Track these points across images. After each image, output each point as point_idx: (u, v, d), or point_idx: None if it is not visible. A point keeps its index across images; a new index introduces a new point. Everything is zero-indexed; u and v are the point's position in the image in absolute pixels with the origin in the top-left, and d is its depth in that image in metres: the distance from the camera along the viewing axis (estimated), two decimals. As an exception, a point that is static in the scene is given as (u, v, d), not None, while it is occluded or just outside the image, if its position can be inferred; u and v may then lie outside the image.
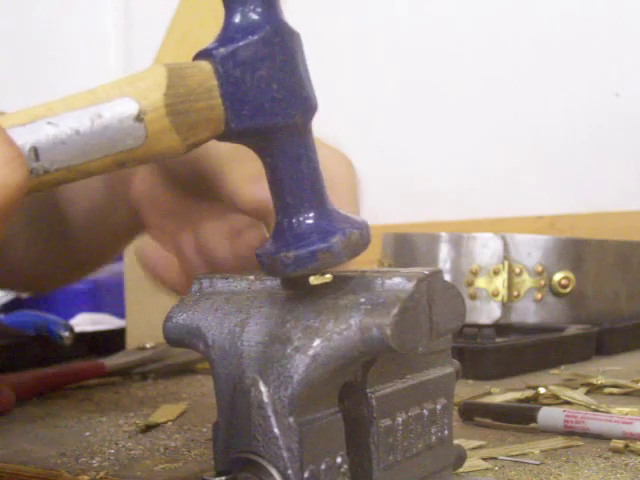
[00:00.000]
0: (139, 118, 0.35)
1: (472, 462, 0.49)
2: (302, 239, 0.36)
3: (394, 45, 1.60)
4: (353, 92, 1.59)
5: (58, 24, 1.91)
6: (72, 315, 1.12)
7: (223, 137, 0.38)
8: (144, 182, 0.54)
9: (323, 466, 0.35)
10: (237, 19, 0.37)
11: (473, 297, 0.90)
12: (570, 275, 0.92)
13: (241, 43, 0.37)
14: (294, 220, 0.37)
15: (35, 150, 0.34)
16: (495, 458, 0.51)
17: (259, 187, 0.44)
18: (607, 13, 1.43)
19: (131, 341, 0.97)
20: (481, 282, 0.90)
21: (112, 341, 0.99)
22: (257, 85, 0.37)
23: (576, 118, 1.45)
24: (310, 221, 0.37)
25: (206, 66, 0.37)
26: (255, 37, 0.37)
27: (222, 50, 0.37)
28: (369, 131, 1.61)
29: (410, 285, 0.35)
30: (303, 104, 0.38)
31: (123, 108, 0.35)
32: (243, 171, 0.46)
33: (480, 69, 1.53)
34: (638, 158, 1.40)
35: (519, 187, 1.50)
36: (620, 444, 0.51)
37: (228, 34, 0.37)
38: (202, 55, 0.37)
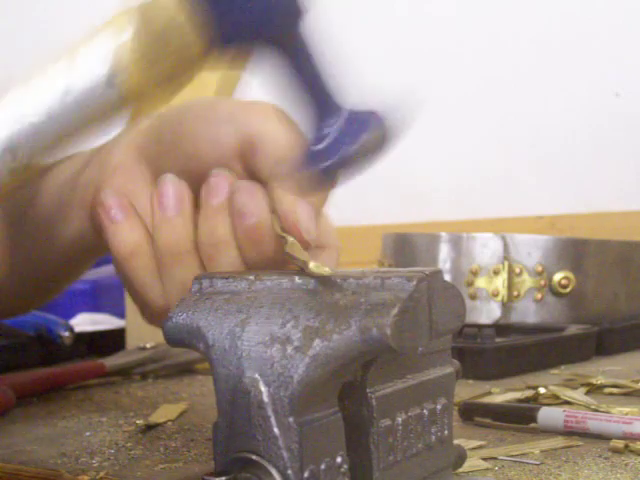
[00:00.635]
0: (110, 83, 0.32)
1: (472, 462, 0.49)
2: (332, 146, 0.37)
3: (394, 45, 1.60)
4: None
5: (58, 24, 1.91)
6: (72, 315, 1.12)
7: (210, 57, 0.35)
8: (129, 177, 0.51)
9: (323, 466, 0.35)
10: None
11: (473, 297, 0.90)
12: (570, 275, 0.92)
13: None
14: (318, 127, 0.37)
15: (11, 151, 0.32)
16: (495, 458, 0.51)
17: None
18: (607, 13, 1.43)
19: (131, 341, 0.97)
20: (481, 282, 0.90)
21: (112, 341, 0.99)
22: (230, 4, 0.34)
23: (576, 118, 1.45)
24: (336, 125, 0.37)
25: (170, 1, 0.33)
26: None
27: None
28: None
29: (410, 285, 0.35)
30: (287, 7, 0.36)
31: (91, 76, 0.32)
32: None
33: (480, 69, 1.53)
34: (638, 158, 1.40)
35: (519, 187, 1.50)
36: (620, 444, 0.51)
37: None
38: None
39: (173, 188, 0.47)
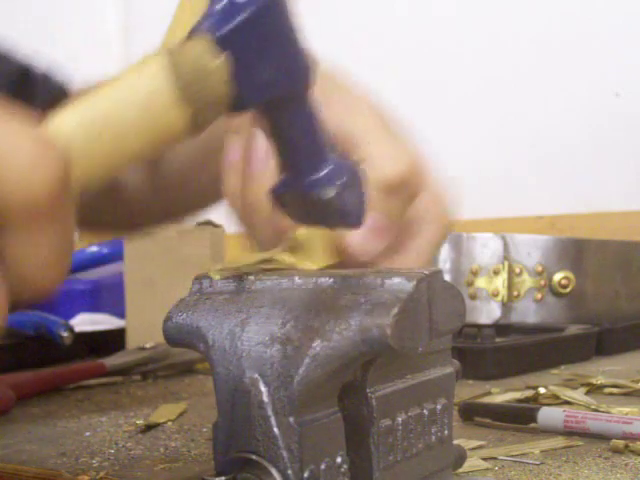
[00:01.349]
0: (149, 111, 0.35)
1: (472, 462, 0.49)
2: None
3: (394, 45, 1.60)
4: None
5: (58, 24, 1.91)
6: (72, 315, 1.12)
7: (231, 113, 0.37)
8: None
9: (323, 466, 0.35)
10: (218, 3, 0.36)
11: (473, 297, 0.90)
12: (570, 275, 0.92)
13: (239, 18, 0.36)
14: (305, 174, 0.39)
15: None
16: (495, 458, 0.51)
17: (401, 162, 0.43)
18: (607, 13, 1.43)
19: (131, 341, 0.97)
20: (481, 282, 0.90)
21: (112, 341, 0.99)
22: (257, 59, 0.36)
23: (576, 118, 1.45)
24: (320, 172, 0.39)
25: (205, 46, 0.36)
26: (252, 9, 0.36)
27: (220, 28, 0.36)
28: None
29: (410, 285, 0.35)
30: (304, 69, 0.38)
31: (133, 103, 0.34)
32: (383, 144, 0.45)
33: (480, 69, 1.53)
34: (638, 158, 1.40)
35: (519, 187, 1.50)
36: (620, 444, 0.51)
37: (220, 10, 0.36)
38: (197, 33, 0.36)
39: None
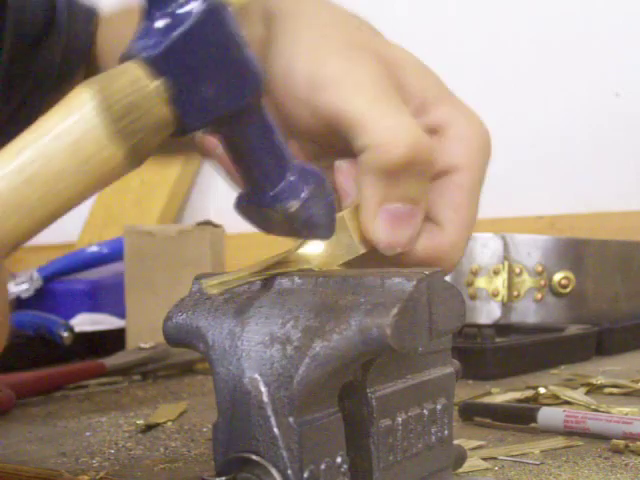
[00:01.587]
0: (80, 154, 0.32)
1: (472, 462, 0.49)
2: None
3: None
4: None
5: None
6: (72, 315, 1.12)
7: (176, 135, 0.35)
8: None
9: (323, 466, 0.35)
10: (160, 10, 0.34)
11: (473, 297, 0.90)
12: (570, 275, 0.92)
13: (174, 35, 0.33)
14: (265, 188, 0.37)
15: None
16: (495, 458, 0.51)
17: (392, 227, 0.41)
18: (607, 13, 1.43)
19: (131, 341, 0.97)
20: (481, 282, 0.90)
21: (112, 341, 0.99)
22: (198, 78, 0.34)
23: (576, 118, 1.45)
24: (281, 184, 0.37)
25: (138, 70, 0.33)
26: (185, 27, 0.33)
27: (154, 48, 0.33)
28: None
29: (410, 285, 0.35)
30: (251, 83, 0.35)
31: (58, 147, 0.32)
32: (377, 123, 0.41)
33: (480, 69, 1.53)
34: (638, 158, 1.40)
35: (519, 187, 1.50)
36: (620, 444, 0.51)
37: (153, 28, 0.33)
38: (129, 57, 0.33)
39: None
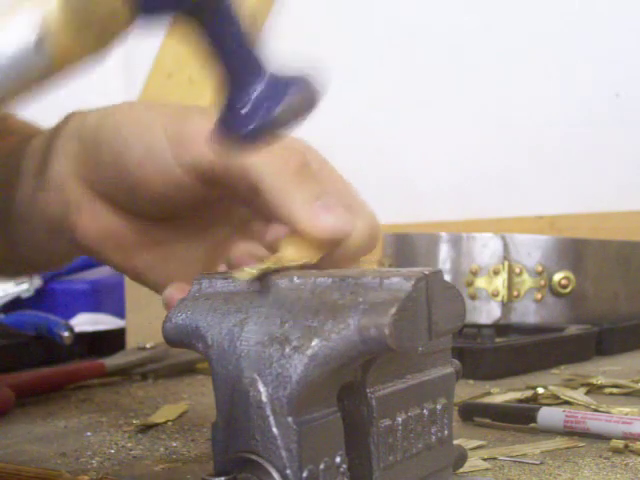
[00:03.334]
0: (39, 49, 0.33)
1: (472, 462, 0.49)
2: (249, 117, 0.36)
3: (394, 45, 1.60)
4: (353, 92, 1.59)
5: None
6: (72, 315, 1.12)
7: (135, 27, 0.35)
8: (96, 220, 0.49)
9: (322, 466, 0.35)
10: None
11: (473, 297, 0.90)
12: (570, 275, 0.92)
13: None
14: (243, 91, 0.37)
15: None
16: (495, 458, 0.51)
17: (333, 215, 0.43)
18: (607, 13, 1.43)
19: (131, 341, 0.97)
20: (481, 282, 0.90)
21: (112, 341, 0.99)
22: None
23: (576, 118, 1.45)
24: (254, 95, 0.36)
25: None
26: None
27: None
28: (369, 131, 1.61)
29: (408, 285, 0.35)
30: None
31: (19, 42, 0.33)
32: (306, 193, 0.43)
33: (480, 69, 1.53)
34: (638, 158, 1.40)
35: (519, 187, 1.50)
36: (620, 444, 0.51)
37: None
38: None
39: None
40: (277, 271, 0.39)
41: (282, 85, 0.37)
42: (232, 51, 0.36)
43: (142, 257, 0.50)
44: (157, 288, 0.50)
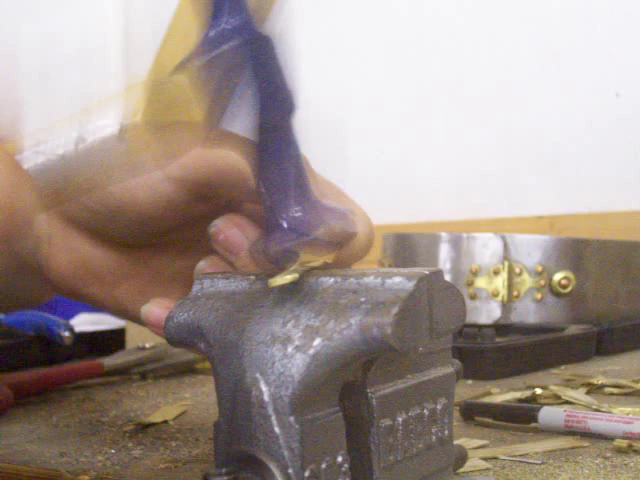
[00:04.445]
0: (121, 138, 0.37)
1: (473, 462, 0.49)
2: (288, 234, 0.38)
3: (394, 46, 1.60)
4: (353, 92, 1.59)
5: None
6: (72, 315, 1.12)
7: (206, 142, 0.38)
8: (70, 252, 0.45)
9: (324, 465, 0.35)
10: (210, 30, 0.38)
11: (473, 297, 0.90)
12: (570, 275, 0.92)
13: (213, 54, 0.37)
14: (282, 216, 0.38)
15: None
16: (496, 458, 0.51)
17: None
18: (607, 13, 1.43)
19: (131, 341, 0.97)
20: (481, 282, 0.90)
21: (112, 341, 0.99)
22: (232, 93, 0.38)
23: (576, 118, 1.45)
24: (298, 214, 0.38)
25: (182, 79, 0.37)
26: (226, 47, 0.37)
27: (196, 62, 0.38)
28: (369, 131, 1.61)
29: (410, 284, 0.35)
30: (281, 105, 0.38)
31: (104, 131, 0.37)
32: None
33: (480, 69, 1.53)
34: (638, 158, 1.40)
35: (519, 187, 1.50)
36: (624, 444, 0.51)
37: (201, 46, 0.38)
38: (178, 68, 0.38)
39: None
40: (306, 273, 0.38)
41: (325, 211, 0.39)
42: (280, 180, 0.38)
43: (123, 287, 0.47)
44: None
